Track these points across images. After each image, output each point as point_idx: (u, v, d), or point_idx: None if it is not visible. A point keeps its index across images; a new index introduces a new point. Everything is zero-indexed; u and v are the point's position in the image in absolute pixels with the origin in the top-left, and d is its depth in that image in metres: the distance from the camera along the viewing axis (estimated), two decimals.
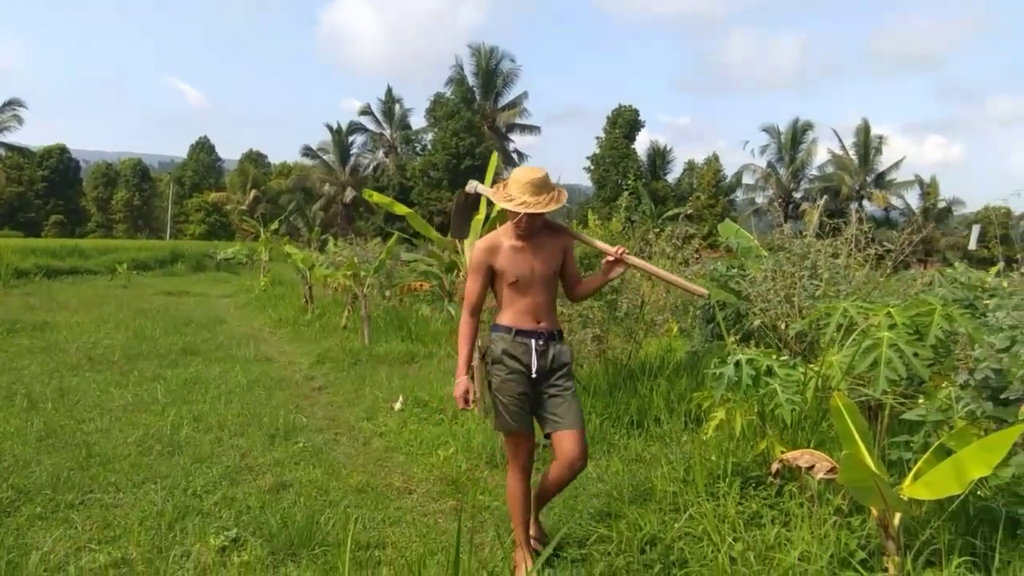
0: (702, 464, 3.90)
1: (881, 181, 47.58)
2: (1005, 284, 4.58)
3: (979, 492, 3.35)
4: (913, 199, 46.93)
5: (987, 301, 4.22)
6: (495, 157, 6.44)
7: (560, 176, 3.50)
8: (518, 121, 51.60)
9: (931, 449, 3.22)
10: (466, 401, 3.44)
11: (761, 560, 3.12)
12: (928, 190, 46.16)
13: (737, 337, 5.92)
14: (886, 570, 2.98)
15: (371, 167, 52.66)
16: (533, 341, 3.44)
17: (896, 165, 47.86)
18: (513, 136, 52.23)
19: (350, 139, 53.34)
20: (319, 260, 15.75)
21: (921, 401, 3.61)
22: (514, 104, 51.15)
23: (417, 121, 54.09)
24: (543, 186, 3.35)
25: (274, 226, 25.52)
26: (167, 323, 12.41)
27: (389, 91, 53.24)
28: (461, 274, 7.11)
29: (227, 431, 5.94)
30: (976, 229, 18.84)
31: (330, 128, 52.58)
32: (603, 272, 3.62)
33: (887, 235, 5.83)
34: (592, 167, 49.41)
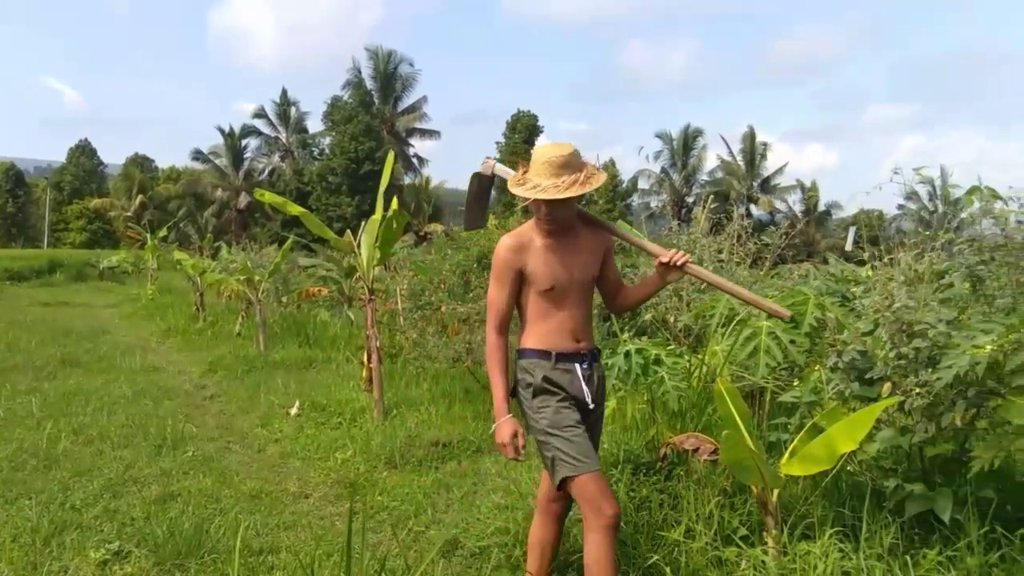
0: None
1: (767, 186, 49.91)
2: (871, 274, 4.91)
3: (849, 467, 3.58)
4: (796, 203, 49.43)
5: (854, 289, 4.51)
6: (391, 157, 6.40)
7: (599, 157, 2.99)
8: (418, 125, 51.34)
9: (805, 428, 3.42)
10: (516, 448, 2.71)
11: (649, 541, 3.23)
12: (809, 194, 48.73)
13: (631, 332, 6.11)
14: (765, 544, 3.15)
15: (266, 172, 51.21)
16: (578, 366, 2.78)
17: (780, 170, 50.34)
18: (413, 140, 51.93)
19: (243, 142, 51.70)
20: (211, 267, 15.21)
21: (796, 384, 3.83)
22: (414, 108, 50.87)
23: (314, 124, 53.00)
24: (566, 165, 2.64)
25: (162, 233, 24.42)
26: (44, 334, 11.70)
27: (284, 93, 51.96)
28: (357, 276, 7.01)
29: (110, 443, 5.66)
30: (852, 231, 19.97)
31: (222, 131, 50.84)
32: (656, 278, 2.88)
33: (770, 235, 6.18)
34: None
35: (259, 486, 4.79)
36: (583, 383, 2.78)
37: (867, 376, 3.46)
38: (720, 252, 5.47)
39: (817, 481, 3.46)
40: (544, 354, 2.77)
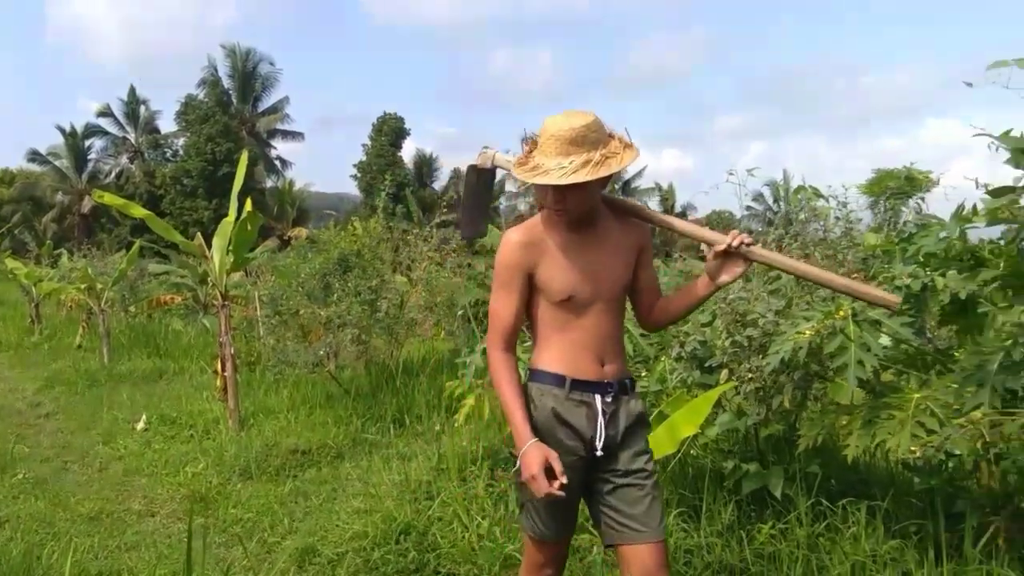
0: (454, 451, 4.02)
1: (627, 189, 51.83)
2: None
3: (692, 451, 3.78)
4: (655, 204, 51.64)
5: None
6: (244, 157, 6.15)
7: (623, 130, 2.16)
8: (280, 127, 49.69)
9: (652, 416, 3.59)
10: (552, 475, 1.99)
11: (506, 533, 3.28)
12: (666, 196, 51.04)
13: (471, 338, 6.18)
14: None
15: (114, 173, 48.03)
16: (598, 398, 2.13)
17: (640, 174, 52.41)
18: (275, 142, 50.22)
19: (87, 143, 48.21)
20: (48, 276, 14.11)
21: (644, 374, 4.00)
22: (275, 109, 49.20)
23: (167, 124, 50.17)
24: (578, 141, 1.99)
25: None
26: None
27: (132, 91, 48.87)
28: (211, 281, 6.72)
29: None
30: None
31: (62, 130, 47.19)
32: (710, 276, 2.17)
33: None
34: (359, 175, 48.90)
35: (99, 506, 4.49)
36: (600, 421, 2.11)
37: (707, 364, 3.67)
38: None
39: (663, 465, 3.63)
40: (558, 379, 2.14)
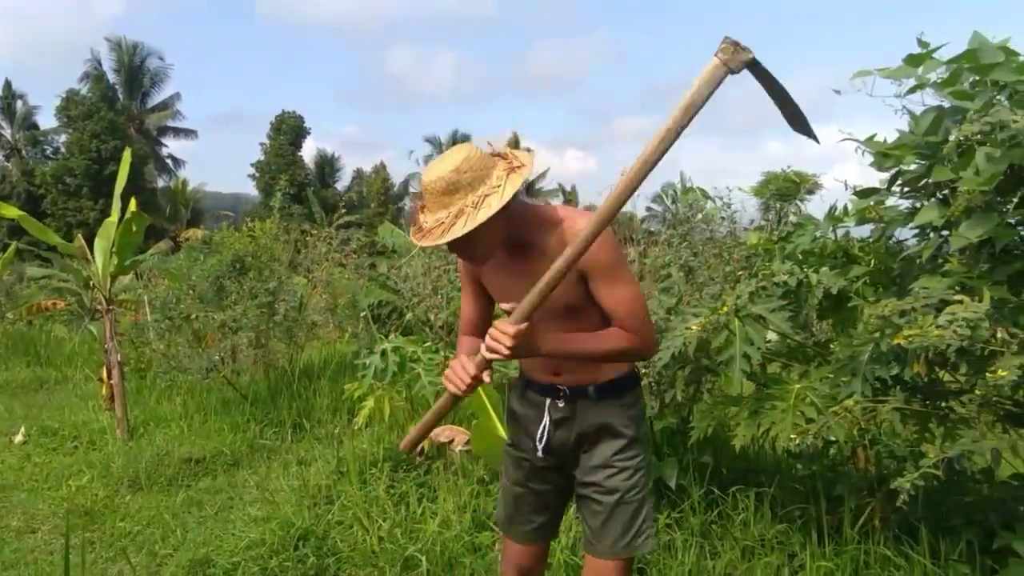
0: (354, 454, 3.97)
1: (531, 190, 52.38)
2: None
3: None
4: (558, 205, 52.41)
5: None
6: (127, 154, 5.87)
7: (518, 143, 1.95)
8: (171, 124, 47.73)
9: None
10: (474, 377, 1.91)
11: (407, 534, 3.27)
12: (569, 197, 51.85)
13: (398, 332, 6.14)
14: None
15: None
16: (548, 401, 2.11)
17: (543, 175, 53.06)
18: (166, 140, 48.20)
19: None
20: None
21: None
22: (165, 105, 47.19)
23: (46, 120, 47.36)
24: (455, 187, 1.82)
25: None
26: None
27: (8, 85, 45.85)
28: (93, 285, 6.39)
29: None
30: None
31: None
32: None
33: None
34: (257, 175, 47.48)
35: None
36: (546, 423, 2.09)
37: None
38: None
39: None
40: (519, 379, 2.24)
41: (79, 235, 6.10)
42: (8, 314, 12.49)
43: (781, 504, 3.35)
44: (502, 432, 3.38)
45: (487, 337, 1.85)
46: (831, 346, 3.35)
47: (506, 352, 1.82)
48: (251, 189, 49.77)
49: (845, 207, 3.02)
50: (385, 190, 51.28)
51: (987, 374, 2.08)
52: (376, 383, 3.95)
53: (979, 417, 2.64)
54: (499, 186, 1.83)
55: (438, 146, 52.61)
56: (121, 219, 5.62)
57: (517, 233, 1.96)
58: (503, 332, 1.80)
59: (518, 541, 2.26)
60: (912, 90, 2.63)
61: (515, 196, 1.86)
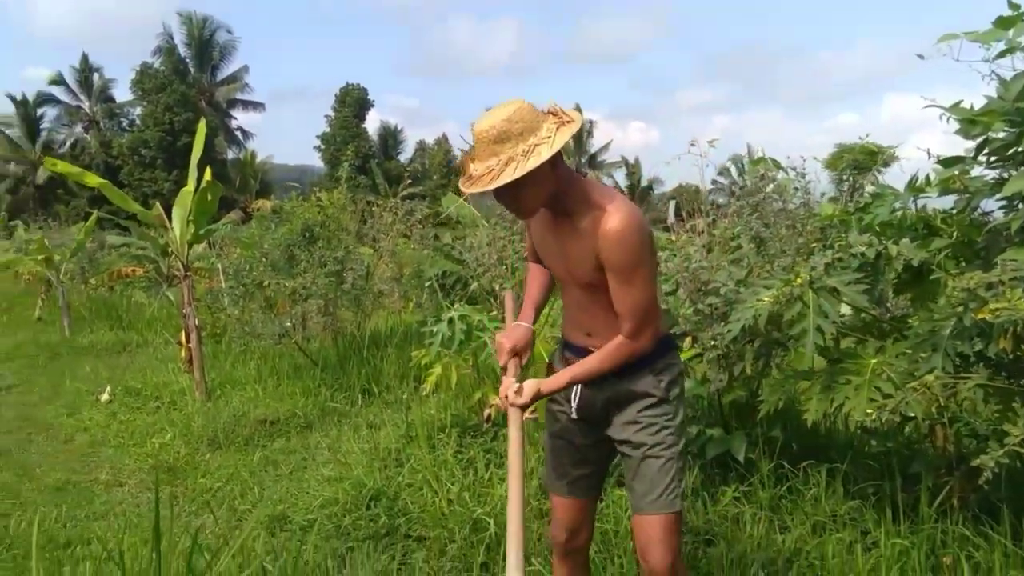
0: (422, 419, 4.06)
1: (594, 162, 51.87)
2: (675, 240, 5.27)
3: None
4: (622, 178, 51.78)
5: (661, 255, 4.82)
6: (203, 125, 6.04)
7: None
8: (239, 96, 48.73)
9: None
10: (512, 352, 2.16)
11: (476, 498, 3.34)
12: (632, 169, 51.18)
13: (462, 302, 6.22)
14: None
15: (68, 143, 46.72)
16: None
17: (606, 147, 52.46)
18: (235, 112, 49.27)
19: (39, 112, 46.79)
20: (4, 248, 13.78)
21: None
22: (234, 78, 48.18)
23: (122, 93, 48.83)
24: (506, 136, 1.85)
25: None
26: None
27: (85, 58, 47.42)
28: (172, 252, 6.63)
29: None
30: (672, 204, 21.27)
31: (13, 99, 45.67)
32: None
33: None
34: (323, 146, 48.22)
35: (66, 477, 4.47)
36: (577, 386, 2.13)
37: (670, 332, 3.73)
38: None
39: None
40: (561, 338, 2.28)
41: (157, 204, 6.32)
42: (91, 280, 13.06)
43: (854, 481, 3.30)
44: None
45: (500, 395, 2.13)
46: (909, 321, 3.26)
47: (522, 404, 2.07)
48: (316, 161, 50.55)
49: (927, 177, 2.92)
50: (447, 162, 51.46)
51: None
52: (443, 351, 4.01)
53: None
54: (549, 137, 1.87)
55: None
56: (197, 188, 5.79)
57: (562, 198, 1.99)
58: (512, 399, 2.07)
59: (560, 493, 2.28)
60: (1002, 54, 2.52)
61: (563, 152, 1.92)
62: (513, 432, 2.05)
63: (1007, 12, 2.42)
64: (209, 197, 5.62)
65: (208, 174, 5.62)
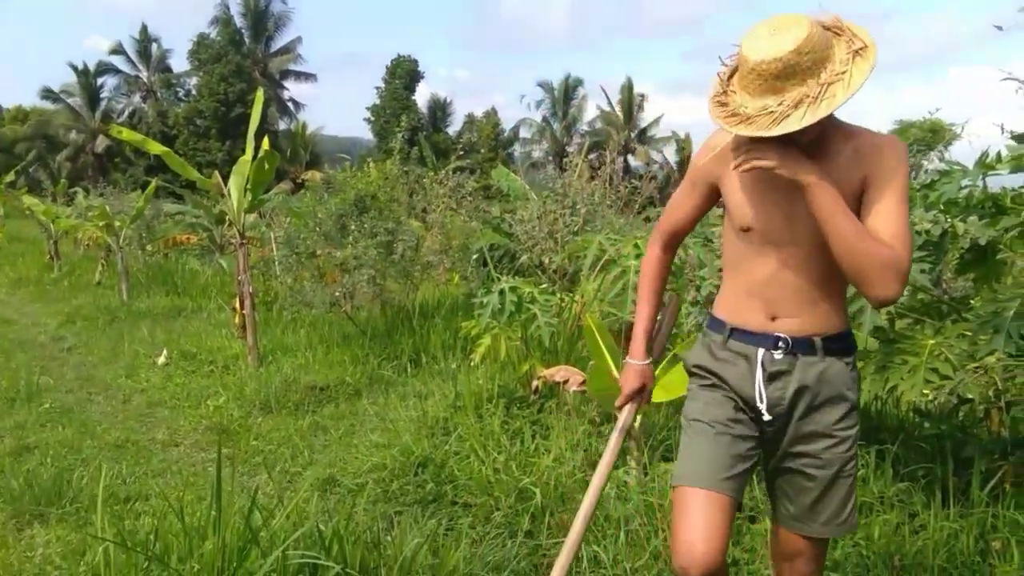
0: (470, 389, 4.10)
1: (644, 137, 51.21)
2: None
3: None
4: (671, 154, 51.06)
5: (713, 229, 4.76)
6: (260, 94, 6.13)
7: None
8: (292, 67, 49.20)
9: (667, 358, 3.63)
10: (639, 392, 2.01)
11: (522, 468, 3.37)
12: (683, 145, 50.41)
13: (511, 275, 6.25)
14: (628, 466, 3.36)
15: (126, 113, 47.81)
16: (760, 352, 1.77)
17: (656, 122, 51.69)
18: (288, 83, 49.78)
19: (99, 81, 47.91)
20: (66, 213, 14.22)
21: (659, 318, 4.03)
22: (287, 49, 48.64)
23: (179, 64, 49.81)
24: (793, 72, 1.53)
25: (9, 178, 22.51)
26: None
27: (144, 29, 48.35)
28: (228, 222, 6.77)
29: None
30: None
31: (75, 68, 46.87)
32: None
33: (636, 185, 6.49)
34: (373, 118, 48.51)
35: (124, 435, 4.63)
36: (759, 379, 1.76)
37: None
38: (593, 195, 5.64)
39: (677, 407, 3.69)
40: (718, 326, 1.86)
41: (215, 172, 6.44)
42: (148, 246, 13.42)
43: (904, 463, 3.24)
44: (616, 372, 3.41)
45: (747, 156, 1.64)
46: (971, 302, 3.17)
47: (770, 163, 1.61)
48: (365, 133, 50.94)
49: (998, 153, 2.82)
50: (496, 135, 51.36)
51: None
52: (492, 322, 4.03)
53: None
54: (844, 72, 1.53)
55: (550, 91, 52.02)
56: (255, 158, 5.89)
57: (824, 134, 1.67)
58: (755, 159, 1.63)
59: (712, 487, 1.74)
60: None
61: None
62: (608, 457, 1.97)
63: None
64: (266, 166, 5.71)
65: (266, 143, 5.71)
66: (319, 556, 2.45)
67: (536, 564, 2.89)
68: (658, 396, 3.45)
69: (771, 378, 1.77)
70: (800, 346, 1.75)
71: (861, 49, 1.56)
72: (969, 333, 2.78)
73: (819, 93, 1.52)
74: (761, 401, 1.77)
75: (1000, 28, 2.50)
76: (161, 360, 6.34)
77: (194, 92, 46.31)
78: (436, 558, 2.68)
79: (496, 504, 3.18)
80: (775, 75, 1.54)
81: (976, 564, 2.71)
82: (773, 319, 1.76)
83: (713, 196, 1.88)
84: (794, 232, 1.70)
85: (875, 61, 1.54)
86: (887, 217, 1.60)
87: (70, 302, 9.64)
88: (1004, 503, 2.85)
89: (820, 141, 1.66)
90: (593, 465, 3.42)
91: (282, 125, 48.63)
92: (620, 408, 2.01)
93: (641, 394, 2.05)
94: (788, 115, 1.53)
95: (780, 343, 1.75)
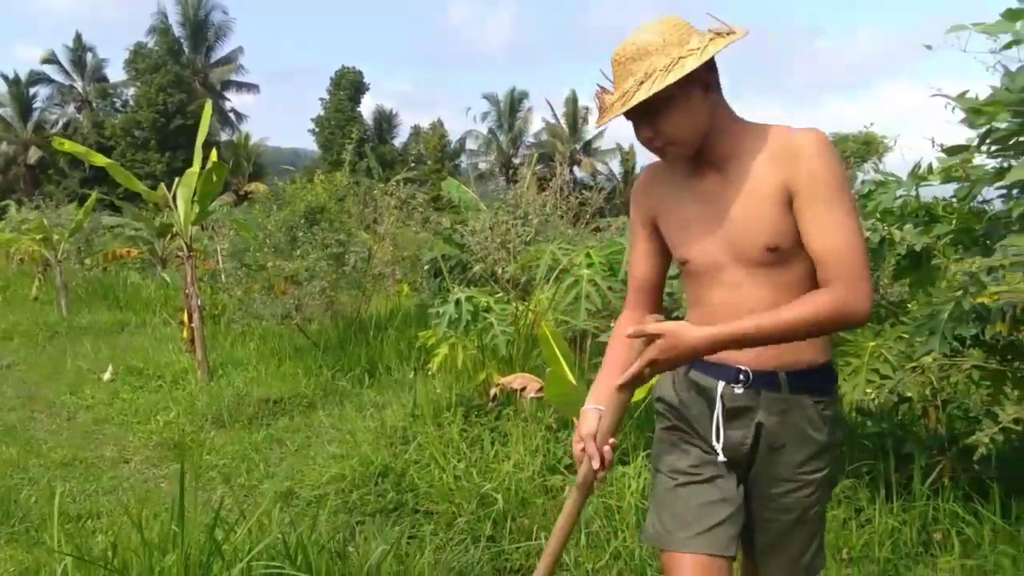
0: (428, 398, 4.13)
1: (588, 149, 51.84)
2: None
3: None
4: (616, 166, 51.77)
5: None
6: (208, 107, 6.07)
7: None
8: (234, 78, 48.43)
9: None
10: (601, 463, 1.57)
11: (482, 474, 3.41)
12: (627, 156, 51.18)
13: (463, 286, 6.29)
14: None
15: (60, 124, 46.37)
16: (721, 386, 1.59)
17: (600, 134, 52.36)
18: (229, 94, 48.97)
19: (32, 91, 46.42)
20: None
21: (611, 325, 4.13)
22: (229, 59, 47.87)
23: (115, 73, 48.50)
24: (645, 53, 1.48)
25: None
26: None
27: (78, 37, 47.03)
28: (170, 235, 6.66)
29: None
30: None
31: (5, 78, 45.29)
32: None
33: (592, 193, 6.61)
34: (317, 129, 48.03)
35: (72, 453, 4.52)
36: (717, 416, 1.59)
37: (674, 315, 3.82)
38: (545, 206, 5.73)
39: (631, 411, 3.78)
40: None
41: (161, 184, 6.34)
42: (86, 260, 13.06)
43: (848, 460, 3.39)
44: (572, 378, 3.48)
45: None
46: (908, 305, 3.34)
47: (658, 360, 1.47)
48: (309, 144, 50.40)
49: (930, 165, 2.99)
50: (442, 147, 51.36)
51: None
52: (449, 331, 4.07)
53: None
54: (699, 48, 1.46)
55: (496, 104, 52.32)
56: (203, 169, 5.82)
57: (719, 139, 1.55)
58: (649, 356, 1.47)
59: (702, 548, 1.57)
60: (1008, 45, 2.58)
61: (710, 75, 1.52)
62: (571, 507, 1.64)
63: (1014, 5, 2.48)
64: (215, 178, 5.65)
65: (214, 155, 5.66)
66: (283, 566, 2.46)
67: (499, 568, 2.93)
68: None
69: (732, 415, 1.58)
70: (762, 380, 1.56)
71: (727, 33, 1.50)
72: (907, 335, 2.93)
73: (669, 65, 1.45)
74: (718, 440, 1.59)
75: (929, 47, 2.66)
76: (107, 376, 6.20)
77: (131, 103, 45.14)
78: (401, 565, 2.71)
79: (458, 511, 3.21)
80: (629, 58, 1.50)
81: (919, 555, 2.86)
82: (737, 350, 1.53)
83: (657, 237, 1.73)
84: (733, 254, 1.55)
85: (738, 39, 1.49)
86: (818, 228, 1.47)
87: (7, 318, 9.33)
88: (944, 496, 3.01)
89: (728, 156, 1.55)
90: (552, 469, 3.50)
91: (224, 136, 47.78)
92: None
93: (602, 453, 1.59)
94: (637, 91, 1.47)
95: (740, 375, 1.56)
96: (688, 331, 1.46)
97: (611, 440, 1.59)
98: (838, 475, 3.21)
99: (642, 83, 1.46)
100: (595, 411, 1.63)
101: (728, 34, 1.49)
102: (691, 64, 1.43)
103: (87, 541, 3.23)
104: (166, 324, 8.41)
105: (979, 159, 2.87)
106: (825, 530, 1.68)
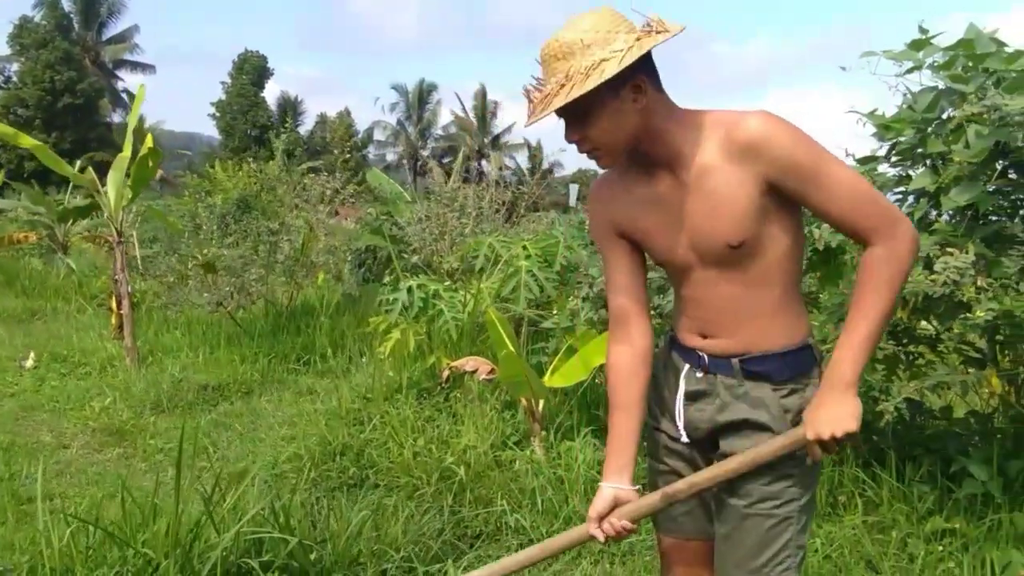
0: (381, 381, 4.32)
1: (496, 143, 52.26)
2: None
3: (597, 379, 4.25)
4: (523, 160, 52.39)
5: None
6: (142, 90, 5.99)
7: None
8: (128, 57, 46.29)
9: (563, 350, 4.03)
10: (617, 533, 1.59)
11: (441, 449, 3.64)
12: (535, 152, 51.89)
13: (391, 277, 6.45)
14: (534, 446, 3.71)
15: None
16: (686, 368, 1.64)
17: (509, 129, 52.88)
18: (122, 73, 46.77)
19: None
20: None
21: (555, 313, 4.43)
22: (123, 38, 45.69)
23: None
24: (569, 52, 1.43)
25: None
26: None
27: None
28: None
29: None
30: (573, 188, 21.99)
31: None
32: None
33: (527, 187, 6.89)
34: (218, 114, 46.46)
35: (8, 439, 4.46)
36: (679, 398, 1.63)
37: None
38: (481, 200, 5.98)
39: (575, 392, 4.09)
40: (670, 339, 1.71)
41: (90, 168, 6.21)
42: None
43: None
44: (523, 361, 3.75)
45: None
46: (820, 297, 3.77)
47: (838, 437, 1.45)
48: (206, 129, 48.70)
49: None
50: (349, 136, 50.63)
51: (967, 314, 2.51)
52: (400, 318, 4.27)
53: (947, 360, 3.09)
54: (623, 50, 1.40)
55: (404, 94, 52.01)
56: (135, 154, 5.76)
57: (661, 140, 1.50)
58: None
59: (669, 532, 1.73)
60: (910, 70, 3.01)
61: (658, 87, 1.49)
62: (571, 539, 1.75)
63: (917, 36, 2.90)
64: (150, 163, 5.61)
65: (150, 140, 5.61)
66: (272, 531, 2.62)
67: (460, 535, 3.17)
68: (556, 382, 3.85)
69: (693, 397, 1.62)
70: (718, 367, 1.59)
71: (657, 32, 1.44)
72: (817, 324, 3.35)
73: (589, 69, 1.40)
74: (679, 418, 1.64)
75: (844, 69, 3.06)
76: (29, 363, 6.05)
77: (15, 79, 42.38)
78: (377, 530, 2.91)
79: (419, 483, 3.43)
80: (554, 56, 1.45)
81: (828, 515, 3.28)
82: (704, 337, 1.60)
83: (626, 247, 1.68)
84: (698, 255, 1.55)
85: (666, 39, 1.44)
86: (824, 198, 1.44)
87: None
88: (848, 464, 3.45)
89: (677, 154, 1.51)
90: (504, 444, 3.77)
91: (116, 117, 45.56)
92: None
93: (620, 525, 1.59)
94: (556, 96, 1.43)
95: (699, 361, 1.61)
96: (832, 406, 1.45)
97: (630, 526, 1.60)
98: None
99: (562, 86, 1.42)
100: (604, 492, 1.60)
101: (659, 32, 1.44)
102: (610, 70, 1.38)
103: (48, 521, 3.28)
104: (81, 311, 8.18)
105: (882, 167, 3.32)
106: (799, 554, 1.57)
